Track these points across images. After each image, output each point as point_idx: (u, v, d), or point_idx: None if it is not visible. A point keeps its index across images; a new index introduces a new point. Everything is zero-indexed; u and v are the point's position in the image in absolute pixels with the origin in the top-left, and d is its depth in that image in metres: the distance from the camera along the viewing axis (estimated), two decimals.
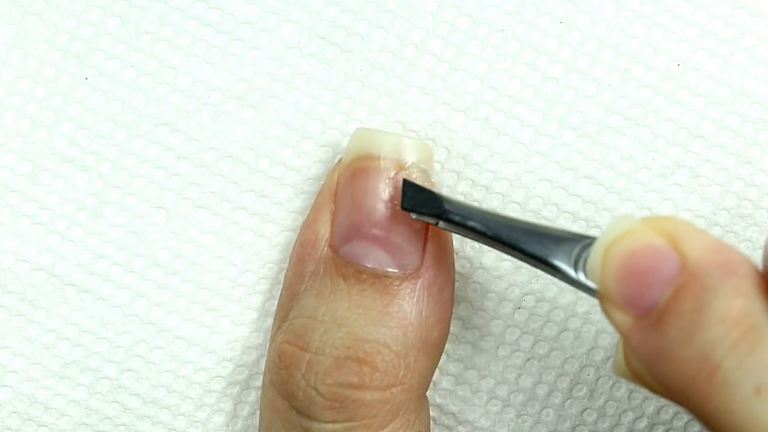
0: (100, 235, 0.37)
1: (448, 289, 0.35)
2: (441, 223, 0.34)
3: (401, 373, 0.34)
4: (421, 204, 0.34)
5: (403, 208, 0.34)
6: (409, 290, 0.34)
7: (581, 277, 0.32)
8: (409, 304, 0.34)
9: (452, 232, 0.35)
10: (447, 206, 0.34)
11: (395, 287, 0.34)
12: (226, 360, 0.38)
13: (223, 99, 0.37)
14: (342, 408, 0.33)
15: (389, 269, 0.34)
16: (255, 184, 0.37)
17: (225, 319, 0.38)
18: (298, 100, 0.37)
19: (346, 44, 0.37)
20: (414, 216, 0.34)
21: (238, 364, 0.38)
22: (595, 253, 0.30)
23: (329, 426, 0.34)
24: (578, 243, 0.32)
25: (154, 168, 0.37)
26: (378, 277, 0.34)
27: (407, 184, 0.34)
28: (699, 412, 0.28)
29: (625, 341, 0.30)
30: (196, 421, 0.38)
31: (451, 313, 0.36)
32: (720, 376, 0.27)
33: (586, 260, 0.31)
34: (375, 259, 0.34)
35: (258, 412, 0.38)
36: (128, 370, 0.38)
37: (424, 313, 0.35)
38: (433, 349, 0.35)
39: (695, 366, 0.28)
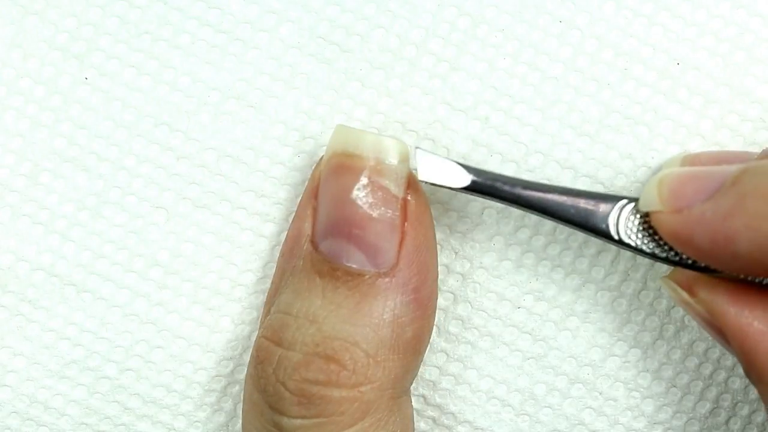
0: (100, 235, 0.37)
1: (426, 289, 0.35)
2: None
3: (370, 371, 0.34)
4: (439, 176, 0.34)
5: (420, 180, 0.34)
6: (382, 289, 0.34)
7: (623, 236, 0.34)
8: (381, 303, 0.34)
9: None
10: (472, 183, 0.34)
11: (368, 285, 0.34)
12: (226, 359, 0.38)
13: (223, 99, 0.37)
14: (309, 404, 0.33)
15: (364, 267, 0.34)
16: (255, 184, 0.37)
17: (225, 318, 0.38)
18: (298, 100, 0.37)
19: (346, 44, 0.37)
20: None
21: (239, 364, 0.38)
22: (649, 186, 0.33)
23: (297, 422, 0.33)
24: (613, 204, 0.34)
25: (154, 168, 0.37)
26: (352, 275, 0.34)
27: (422, 155, 0.34)
28: None
29: (692, 224, 0.32)
30: (196, 421, 0.38)
31: (431, 312, 0.36)
32: None
33: (626, 221, 0.34)
34: (350, 256, 0.34)
35: None
36: (128, 370, 0.38)
37: (395, 312, 0.34)
38: (406, 349, 0.35)
39: None
